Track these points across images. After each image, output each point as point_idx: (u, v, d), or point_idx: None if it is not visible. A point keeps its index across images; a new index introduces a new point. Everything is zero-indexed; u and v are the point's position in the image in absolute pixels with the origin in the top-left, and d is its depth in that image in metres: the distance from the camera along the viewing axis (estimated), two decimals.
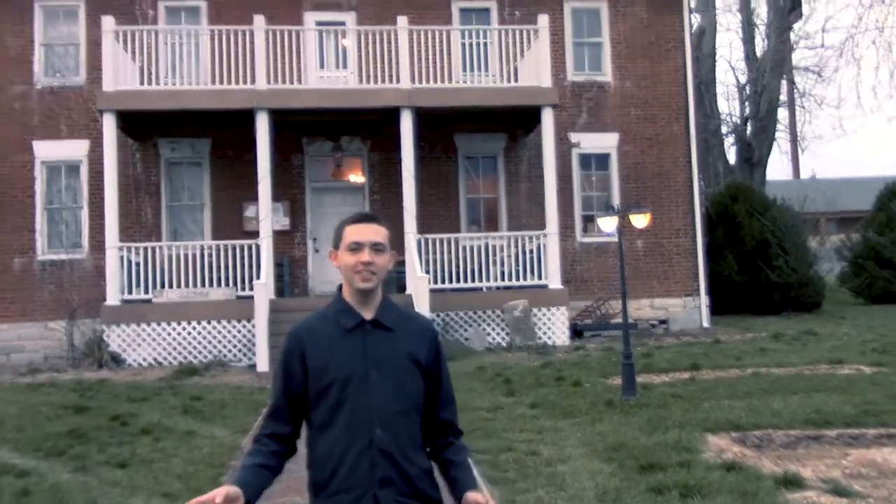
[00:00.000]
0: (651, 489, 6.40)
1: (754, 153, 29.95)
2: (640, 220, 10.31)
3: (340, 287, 2.88)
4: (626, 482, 6.67)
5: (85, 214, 17.57)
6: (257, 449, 2.81)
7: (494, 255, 16.65)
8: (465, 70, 17.75)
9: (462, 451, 2.87)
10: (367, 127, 18.07)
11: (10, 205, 17.44)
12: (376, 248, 2.79)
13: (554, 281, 16.22)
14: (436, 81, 16.70)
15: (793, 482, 6.42)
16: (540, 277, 16.36)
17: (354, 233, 2.80)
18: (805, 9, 33.26)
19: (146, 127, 17.49)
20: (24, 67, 17.71)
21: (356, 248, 2.78)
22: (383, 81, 16.67)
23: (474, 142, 18.76)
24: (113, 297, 15.24)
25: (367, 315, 2.80)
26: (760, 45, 31.85)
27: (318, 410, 2.76)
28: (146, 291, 15.50)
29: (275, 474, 2.81)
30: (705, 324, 18.69)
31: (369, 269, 2.76)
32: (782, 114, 34.02)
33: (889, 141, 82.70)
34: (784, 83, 32.55)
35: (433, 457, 2.85)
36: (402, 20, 16.35)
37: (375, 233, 2.81)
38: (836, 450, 7.86)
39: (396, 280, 16.17)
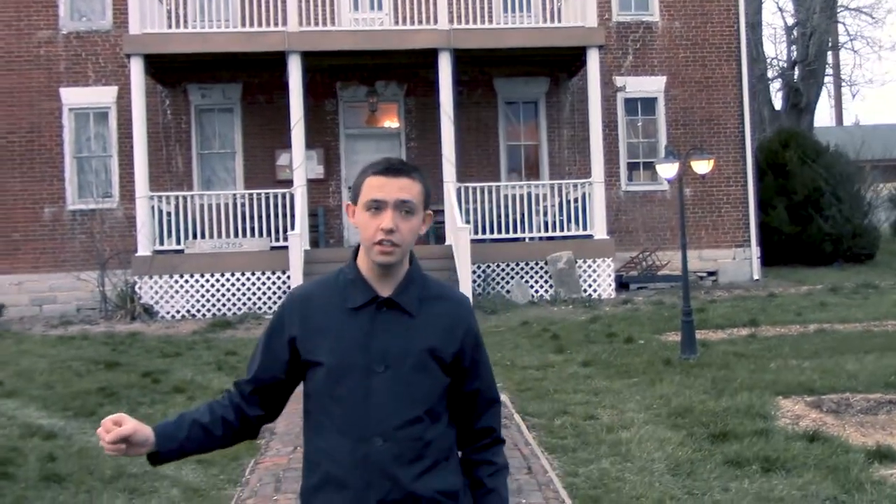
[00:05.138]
0: (728, 462, 5.83)
1: (802, 98, 28.70)
2: (702, 166, 9.57)
3: (357, 248, 2.20)
4: (699, 453, 6.10)
5: (115, 163, 17.09)
6: (219, 400, 2.25)
7: (537, 204, 15.99)
8: (505, 10, 16.93)
9: (499, 475, 2.26)
10: (403, 71, 17.33)
11: (39, 153, 16.98)
12: (404, 208, 2.10)
13: (599, 231, 15.55)
14: (475, 22, 15.92)
15: (886, 455, 5.82)
16: (584, 227, 15.70)
17: (376, 187, 2.10)
18: None
19: (175, 72, 16.89)
20: (49, 11, 17.07)
21: (376, 207, 2.09)
22: (420, 23, 15.90)
23: (515, 86, 17.94)
24: (144, 248, 14.83)
25: (384, 291, 2.14)
26: None
27: (309, 402, 2.20)
28: (178, 242, 15.08)
29: (218, 437, 2.21)
30: (756, 276, 17.92)
31: (391, 240, 2.08)
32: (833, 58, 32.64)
33: None
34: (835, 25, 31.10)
35: (465, 469, 2.24)
36: None
37: (404, 189, 2.10)
38: None
39: (434, 230, 15.57)
